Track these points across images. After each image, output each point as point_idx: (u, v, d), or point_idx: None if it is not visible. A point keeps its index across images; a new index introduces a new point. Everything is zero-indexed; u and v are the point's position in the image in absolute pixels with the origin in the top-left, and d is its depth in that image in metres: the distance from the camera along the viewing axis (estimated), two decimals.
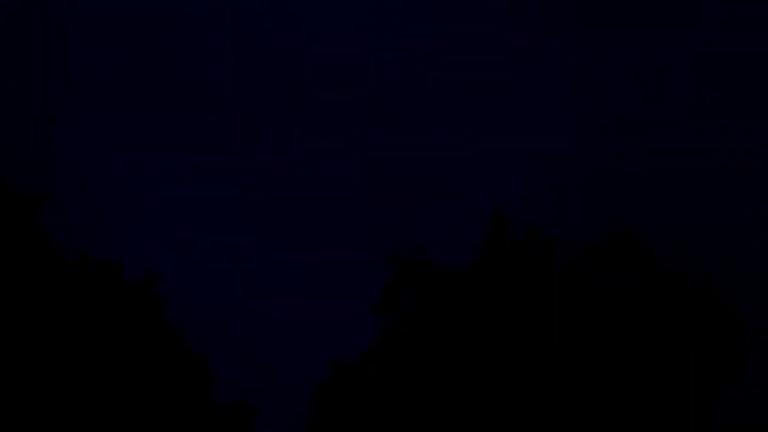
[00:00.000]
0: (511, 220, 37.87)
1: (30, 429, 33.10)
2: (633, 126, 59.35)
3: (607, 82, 61.00)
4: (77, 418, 33.92)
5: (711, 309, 34.37)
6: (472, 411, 36.12)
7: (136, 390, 35.49)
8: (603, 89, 60.64)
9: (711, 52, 60.92)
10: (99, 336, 34.95)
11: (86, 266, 35.50)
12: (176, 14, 63.34)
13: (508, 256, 37.39)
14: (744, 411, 34.65)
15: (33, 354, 33.40)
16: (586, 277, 35.93)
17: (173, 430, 36.80)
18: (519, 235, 37.63)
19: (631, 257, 35.20)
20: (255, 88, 67.10)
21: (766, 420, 34.33)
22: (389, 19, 65.94)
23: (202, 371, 38.38)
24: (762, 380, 34.73)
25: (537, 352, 35.78)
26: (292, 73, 68.27)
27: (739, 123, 58.34)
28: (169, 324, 37.61)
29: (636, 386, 34.71)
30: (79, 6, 63.66)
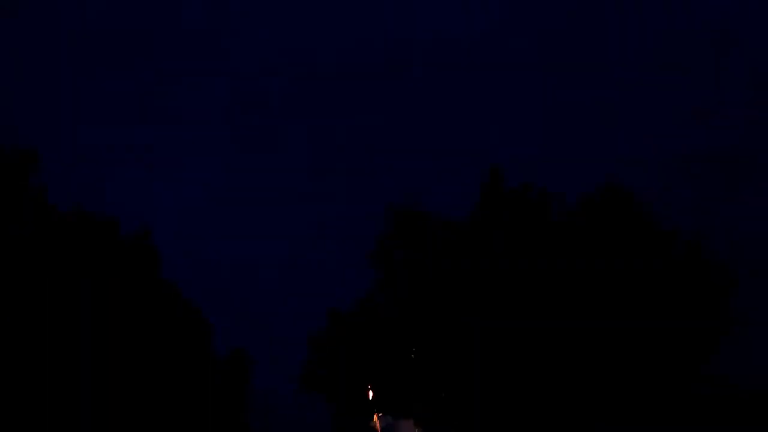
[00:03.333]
0: (506, 172, 37.51)
1: (31, 375, 33.92)
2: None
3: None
4: (77, 368, 34.65)
5: (702, 265, 33.88)
6: (463, 360, 36.34)
7: (137, 340, 36.12)
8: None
9: None
10: (95, 288, 35.45)
11: (81, 220, 35.81)
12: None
13: (504, 207, 37.10)
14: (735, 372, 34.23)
15: (30, 306, 33.98)
16: (579, 228, 35.56)
17: (174, 378, 37.57)
18: (514, 187, 37.29)
19: (622, 211, 34.70)
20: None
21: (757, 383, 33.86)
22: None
23: (200, 321, 39.01)
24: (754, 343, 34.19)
25: (530, 304, 35.72)
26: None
27: None
28: (167, 275, 38.17)
29: (626, 343, 34.53)
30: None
